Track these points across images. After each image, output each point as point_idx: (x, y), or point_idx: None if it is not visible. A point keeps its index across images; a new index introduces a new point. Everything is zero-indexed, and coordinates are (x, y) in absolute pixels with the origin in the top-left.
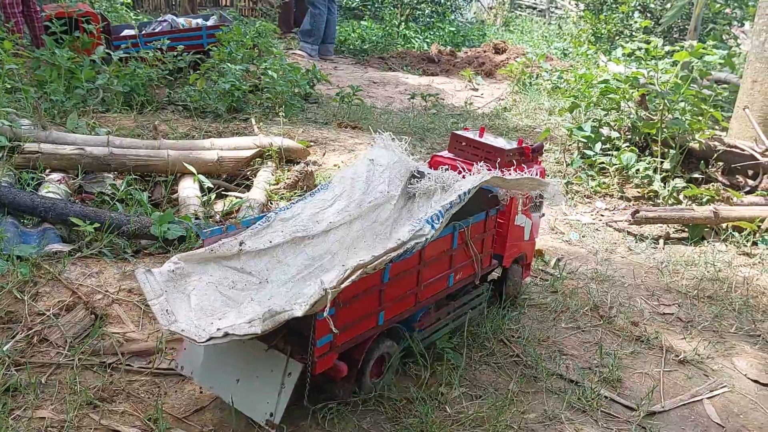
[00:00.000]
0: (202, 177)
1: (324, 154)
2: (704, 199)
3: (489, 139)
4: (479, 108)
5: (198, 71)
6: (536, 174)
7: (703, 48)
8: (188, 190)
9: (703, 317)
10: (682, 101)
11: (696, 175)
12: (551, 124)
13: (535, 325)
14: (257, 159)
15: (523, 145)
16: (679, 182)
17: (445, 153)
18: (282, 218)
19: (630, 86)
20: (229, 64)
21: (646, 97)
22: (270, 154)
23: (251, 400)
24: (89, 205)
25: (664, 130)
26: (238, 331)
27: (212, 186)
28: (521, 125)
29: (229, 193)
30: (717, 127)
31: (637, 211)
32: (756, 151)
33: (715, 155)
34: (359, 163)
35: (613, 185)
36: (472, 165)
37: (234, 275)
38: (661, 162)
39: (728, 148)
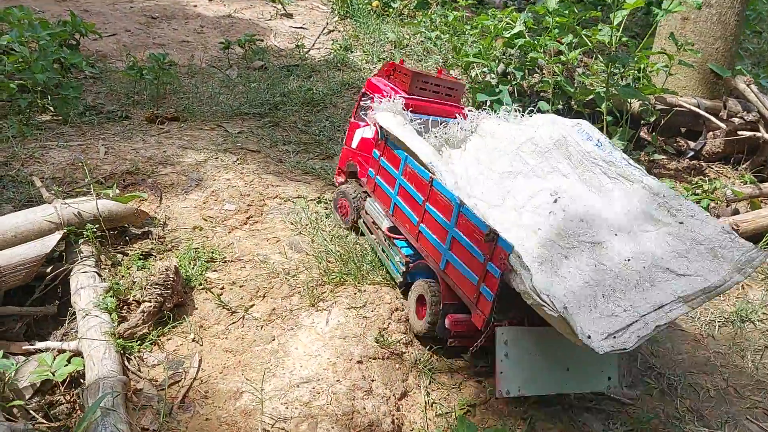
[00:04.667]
0: None
1: (160, 200)
2: (701, 200)
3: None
4: (313, 50)
5: None
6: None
7: None
8: None
9: None
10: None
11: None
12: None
13: None
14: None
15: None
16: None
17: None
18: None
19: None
20: None
21: (589, 60)
22: (84, 234)
23: (586, 377)
24: None
25: (609, 98)
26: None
27: None
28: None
29: (36, 350)
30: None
31: None
32: (700, 109)
33: (655, 117)
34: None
35: None
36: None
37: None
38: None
39: (670, 107)
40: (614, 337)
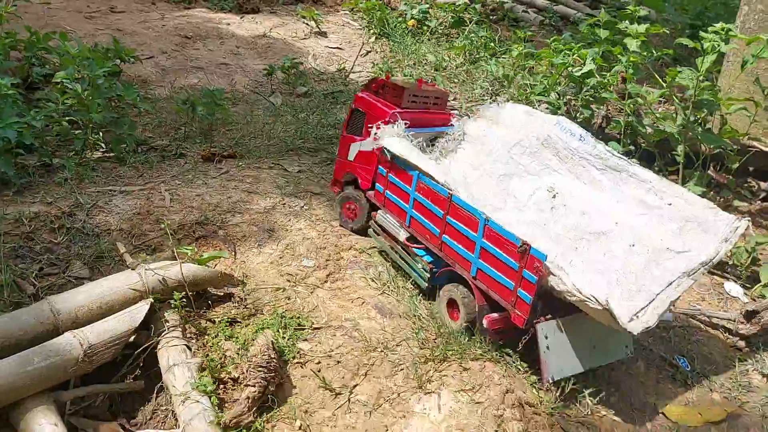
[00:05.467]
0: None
1: (235, 255)
2: None
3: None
4: (353, 73)
5: None
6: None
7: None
8: None
9: None
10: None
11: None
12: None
13: None
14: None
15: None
16: (761, 238)
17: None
18: None
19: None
20: None
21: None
22: (171, 302)
23: (610, 350)
24: None
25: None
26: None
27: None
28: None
29: None
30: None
31: (754, 312)
32: None
33: (738, 165)
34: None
35: None
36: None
37: None
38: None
39: (745, 149)
40: (637, 317)
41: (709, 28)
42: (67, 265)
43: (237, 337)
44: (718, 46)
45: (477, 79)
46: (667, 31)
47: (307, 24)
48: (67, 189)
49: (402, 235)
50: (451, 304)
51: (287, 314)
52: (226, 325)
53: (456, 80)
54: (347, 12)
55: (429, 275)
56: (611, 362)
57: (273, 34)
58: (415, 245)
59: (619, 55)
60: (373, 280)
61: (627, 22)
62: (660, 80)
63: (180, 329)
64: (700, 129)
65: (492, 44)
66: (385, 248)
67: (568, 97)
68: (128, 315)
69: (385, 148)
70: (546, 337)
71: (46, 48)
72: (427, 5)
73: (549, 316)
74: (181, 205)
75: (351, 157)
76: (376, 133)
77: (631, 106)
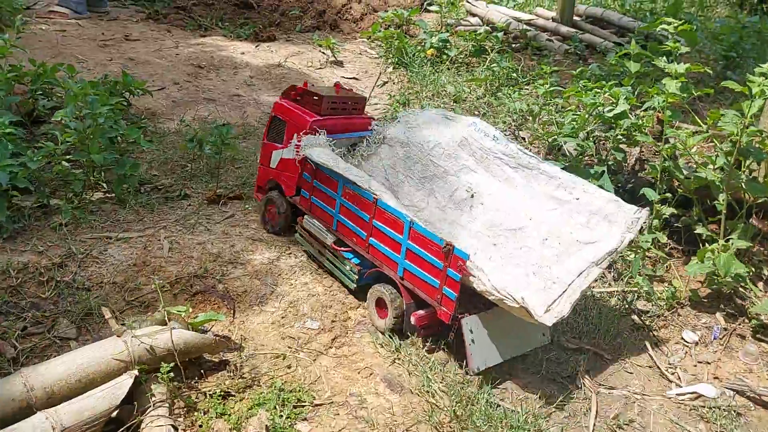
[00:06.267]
0: None
1: (233, 313)
2: None
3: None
4: (371, 105)
5: None
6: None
7: None
8: None
9: None
10: None
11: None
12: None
13: None
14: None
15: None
16: None
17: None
18: None
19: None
20: None
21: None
22: (157, 375)
23: (528, 339)
24: None
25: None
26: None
27: None
28: None
29: None
30: None
31: None
32: None
33: None
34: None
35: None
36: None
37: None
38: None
39: None
40: (551, 308)
41: (756, 70)
42: (54, 323)
43: (230, 415)
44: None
45: (499, 113)
46: (710, 72)
47: (323, 53)
48: (61, 235)
49: (329, 240)
50: (380, 303)
51: (286, 387)
52: (218, 400)
53: (477, 113)
54: (365, 40)
55: (357, 276)
56: (529, 350)
57: (288, 64)
58: (342, 248)
59: (655, 95)
60: (382, 346)
61: (664, 58)
62: (699, 121)
63: (167, 405)
64: (744, 177)
65: (514, 74)
66: (312, 252)
67: (596, 133)
68: (109, 391)
69: (309, 158)
70: (471, 331)
71: (51, 81)
72: (447, 33)
73: (472, 310)
74: (180, 254)
75: (273, 164)
76: (298, 144)
77: (669, 150)
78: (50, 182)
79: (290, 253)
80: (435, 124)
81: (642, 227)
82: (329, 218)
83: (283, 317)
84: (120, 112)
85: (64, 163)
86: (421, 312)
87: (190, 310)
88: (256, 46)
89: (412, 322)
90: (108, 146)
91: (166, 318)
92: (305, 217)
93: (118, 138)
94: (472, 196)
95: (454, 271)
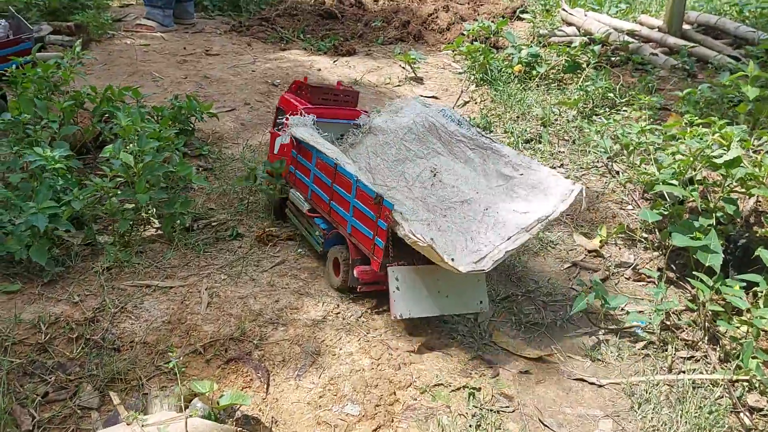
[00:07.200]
0: None
1: (267, 388)
2: None
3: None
4: None
5: None
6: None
7: None
8: None
9: None
10: None
11: None
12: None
13: None
14: None
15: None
16: None
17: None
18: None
19: None
20: (38, 150)
21: None
22: None
23: (463, 302)
24: None
25: None
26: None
27: None
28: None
29: None
30: None
31: None
32: None
33: None
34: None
35: None
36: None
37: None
38: None
39: None
40: (476, 263)
41: None
42: (77, 388)
43: None
44: None
45: (590, 141)
46: None
47: (403, 68)
48: (101, 282)
49: (305, 207)
50: (335, 263)
51: None
52: None
53: (566, 138)
54: (449, 53)
55: (323, 240)
56: (464, 314)
57: (364, 80)
58: (314, 215)
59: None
60: None
61: None
62: None
63: None
64: None
65: (611, 94)
66: (296, 224)
67: (703, 174)
68: None
69: (293, 135)
70: (396, 279)
71: (112, 109)
72: (538, 46)
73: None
74: (218, 311)
75: (276, 150)
76: (286, 123)
77: None
78: (100, 218)
79: (338, 313)
80: (411, 112)
81: (758, 296)
82: (305, 188)
83: (321, 396)
84: (183, 138)
85: (113, 199)
86: (364, 267)
87: (216, 386)
88: (335, 61)
89: (356, 275)
90: (158, 182)
91: (186, 397)
92: (291, 190)
93: (169, 176)
94: (435, 175)
95: (382, 220)
